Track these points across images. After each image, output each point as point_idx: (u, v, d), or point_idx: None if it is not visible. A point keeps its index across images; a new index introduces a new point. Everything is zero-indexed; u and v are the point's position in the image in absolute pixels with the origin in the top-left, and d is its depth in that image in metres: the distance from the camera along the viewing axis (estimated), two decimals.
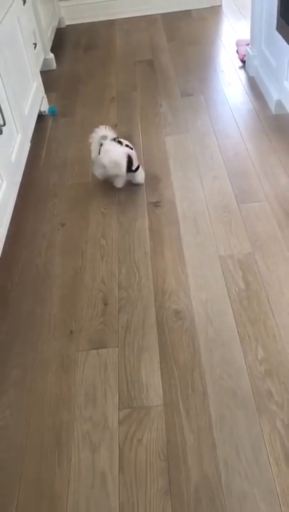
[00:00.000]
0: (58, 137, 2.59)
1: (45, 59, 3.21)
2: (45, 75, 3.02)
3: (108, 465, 1.23)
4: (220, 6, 4.03)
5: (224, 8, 3.99)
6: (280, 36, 2.34)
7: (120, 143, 2.09)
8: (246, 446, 1.23)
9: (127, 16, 4.03)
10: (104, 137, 2.08)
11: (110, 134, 2.10)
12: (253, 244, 1.78)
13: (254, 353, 1.42)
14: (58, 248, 1.89)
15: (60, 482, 1.20)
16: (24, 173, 2.11)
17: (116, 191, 2.14)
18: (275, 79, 2.51)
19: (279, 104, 2.47)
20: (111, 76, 3.15)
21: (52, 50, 3.34)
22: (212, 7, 4.02)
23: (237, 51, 3.19)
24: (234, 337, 1.47)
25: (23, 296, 1.71)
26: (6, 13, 2.10)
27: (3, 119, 1.80)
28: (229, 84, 2.88)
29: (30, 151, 2.26)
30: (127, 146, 2.10)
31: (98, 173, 2.14)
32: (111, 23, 4.00)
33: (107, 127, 2.11)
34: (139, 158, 2.23)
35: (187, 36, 3.57)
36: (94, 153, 2.11)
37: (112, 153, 2.03)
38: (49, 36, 3.30)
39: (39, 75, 2.69)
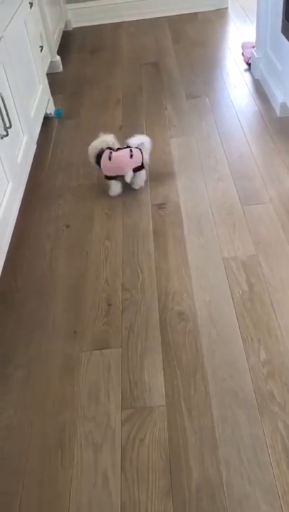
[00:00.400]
0: (63, 139, 2.61)
1: (51, 61, 3.23)
2: (52, 77, 3.04)
3: (110, 464, 1.23)
4: (226, 8, 4.04)
5: (230, 11, 4.00)
6: (285, 39, 2.35)
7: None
8: (248, 446, 1.23)
9: (133, 19, 4.05)
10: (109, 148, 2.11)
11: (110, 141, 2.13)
12: (256, 246, 1.79)
13: (257, 355, 1.43)
14: (63, 249, 1.90)
15: (63, 481, 1.22)
16: (30, 175, 2.12)
17: (121, 193, 2.15)
18: (280, 81, 2.52)
19: (284, 106, 2.47)
20: (117, 78, 3.16)
21: (58, 53, 3.37)
22: (218, 10, 4.03)
23: (242, 54, 3.20)
24: (237, 338, 1.48)
25: (27, 296, 1.72)
26: (13, 16, 2.12)
27: (9, 121, 1.82)
28: (234, 87, 2.89)
29: (35, 153, 2.28)
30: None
31: (115, 188, 2.14)
32: (117, 25, 4.02)
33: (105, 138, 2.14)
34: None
35: (193, 39, 3.59)
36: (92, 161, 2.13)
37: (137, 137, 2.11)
38: (56, 39, 3.32)
39: (45, 77, 2.71)
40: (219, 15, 3.96)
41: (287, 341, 1.45)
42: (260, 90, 2.80)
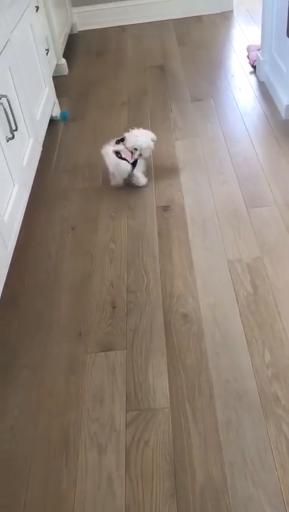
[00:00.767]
0: (69, 141, 2.62)
1: (57, 64, 3.24)
2: (57, 80, 3.05)
3: (115, 466, 1.24)
4: (231, 11, 4.04)
5: (235, 14, 4.00)
6: None
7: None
8: (252, 449, 1.23)
9: (139, 22, 4.07)
10: (118, 151, 2.13)
11: (122, 147, 2.16)
12: (261, 248, 1.79)
13: (261, 357, 1.43)
14: (68, 251, 1.91)
15: (67, 482, 1.22)
16: (35, 177, 2.13)
17: (125, 195, 2.16)
18: (285, 84, 2.52)
19: None
20: (122, 81, 3.17)
21: (64, 56, 3.38)
22: (223, 13, 4.04)
23: (248, 56, 3.20)
24: (241, 340, 1.48)
25: (32, 298, 1.73)
26: (19, 20, 2.13)
27: (16, 123, 1.83)
28: (239, 89, 2.89)
29: (41, 155, 2.29)
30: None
31: (118, 179, 2.18)
32: (123, 28, 4.03)
33: (119, 140, 2.19)
34: (148, 161, 2.27)
35: (198, 42, 3.59)
36: (112, 166, 2.15)
37: (142, 135, 2.15)
38: (61, 42, 3.34)
39: (51, 80, 2.72)
40: (224, 18, 3.96)
41: None
42: (265, 93, 2.80)
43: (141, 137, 2.17)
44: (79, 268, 1.83)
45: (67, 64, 3.39)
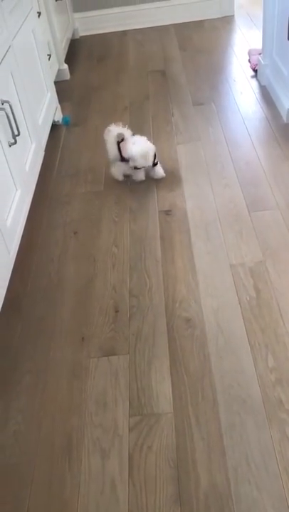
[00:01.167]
0: (71, 146, 2.63)
1: (59, 69, 3.26)
2: (59, 85, 3.06)
3: (118, 471, 1.23)
4: (232, 16, 4.06)
5: (236, 18, 4.01)
6: None
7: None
8: (256, 454, 1.22)
9: (140, 27, 4.08)
10: (121, 135, 2.15)
11: (126, 131, 2.18)
12: (264, 252, 1.78)
13: (264, 361, 1.42)
14: (70, 255, 1.91)
15: (71, 487, 1.22)
16: (38, 182, 2.14)
17: (128, 199, 2.16)
18: (286, 88, 2.52)
19: None
20: (124, 86, 3.18)
21: (66, 61, 3.39)
22: (224, 17, 4.05)
23: (249, 60, 3.20)
24: (244, 345, 1.48)
25: (35, 302, 1.73)
26: (21, 25, 2.14)
27: (18, 129, 1.83)
28: (241, 93, 2.89)
29: (43, 160, 2.29)
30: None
31: (118, 172, 2.22)
32: (124, 33, 4.05)
33: (120, 124, 2.20)
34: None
35: (199, 46, 3.60)
36: (112, 153, 2.16)
37: (141, 145, 2.15)
38: (63, 47, 3.35)
39: (53, 85, 2.73)
40: (225, 22, 3.97)
41: None
42: (266, 97, 2.80)
43: (137, 146, 2.14)
44: (81, 272, 1.83)
45: (69, 69, 3.41)
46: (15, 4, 2.06)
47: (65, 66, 3.36)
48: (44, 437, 1.32)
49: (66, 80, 3.36)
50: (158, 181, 2.23)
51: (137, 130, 2.36)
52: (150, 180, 2.25)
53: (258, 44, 3.24)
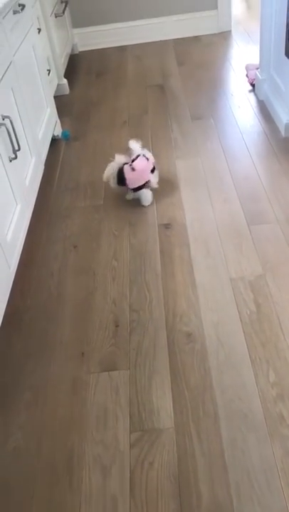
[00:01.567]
0: (70, 160, 2.64)
1: (58, 84, 3.28)
2: (59, 99, 3.09)
3: (119, 488, 1.22)
4: (229, 31, 4.11)
5: (233, 34, 4.06)
6: (288, 61, 2.38)
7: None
8: (258, 470, 1.22)
9: (138, 42, 4.13)
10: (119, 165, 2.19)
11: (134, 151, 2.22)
12: (263, 266, 1.79)
13: (265, 376, 1.42)
14: (70, 269, 1.91)
15: (72, 505, 1.20)
16: (37, 196, 2.15)
17: (127, 213, 2.17)
18: (284, 102, 2.55)
19: None
20: (123, 100, 3.21)
21: (65, 76, 3.42)
22: (222, 32, 4.10)
23: (246, 75, 3.24)
24: (245, 359, 1.47)
25: (35, 316, 1.73)
26: (22, 41, 2.16)
27: (18, 144, 1.84)
28: (239, 108, 2.92)
29: (43, 174, 2.31)
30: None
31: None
32: (123, 48, 4.09)
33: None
34: None
35: (197, 61, 3.64)
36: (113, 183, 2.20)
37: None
38: (63, 62, 3.38)
39: (53, 100, 2.75)
40: (223, 37, 4.02)
41: None
42: (264, 111, 2.83)
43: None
44: (81, 286, 1.83)
45: (69, 84, 3.44)
46: (16, 21, 2.08)
47: (65, 81, 3.39)
48: (44, 454, 1.31)
49: (65, 95, 3.38)
50: (157, 195, 2.24)
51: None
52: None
53: (255, 59, 3.27)
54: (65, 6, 3.59)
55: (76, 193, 2.36)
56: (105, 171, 2.21)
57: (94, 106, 3.20)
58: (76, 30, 4.07)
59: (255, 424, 1.31)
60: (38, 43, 2.51)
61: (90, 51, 4.13)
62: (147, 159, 2.20)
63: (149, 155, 2.22)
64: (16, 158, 1.82)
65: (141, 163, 2.17)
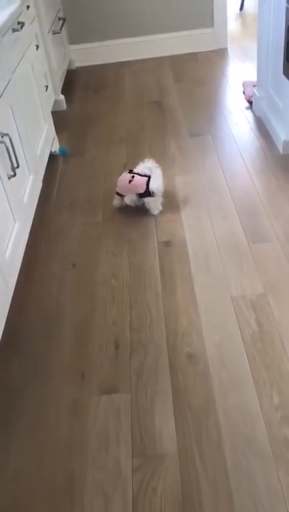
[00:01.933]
0: (68, 177, 2.63)
1: (55, 100, 3.29)
2: (56, 115, 3.09)
3: None
4: (226, 48, 4.14)
5: (230, 51, 4.10)
6: (286, 79, 2.40)
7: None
8: (263, 496, 1.19)
9: (135, 59, 4.15)
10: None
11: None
12: (264, 284, 1.77)
13: (269, 399, 1.40)
14: (69, 288, 1.89)
15: None
16: (35, 213, 2.13)
17: (126, 231, 2.16)
18: (282, 120, 2.56)
19: (287, 144, 2.50)
20: (120, 117, 3.21)
21: (62, 92, 3.43)
22: (218, 49, 4.14)
23: (244, 92, 3.26)
24: (248, 381, 1.45)
25: (33, 337, 1.70)
26: (21, 59, 2.16)
27: (17, 161, 1.83)
28: (236, 124, 2.93)
29: (41, 191, 2.29)
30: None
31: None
32: (119, 65, 4.11)
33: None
34: None
35: (194, 78, 3.66)
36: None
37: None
38: (60, 78, 3.39)
39: (50, 116, 2.75)
40: (219, 55, 4.06)
41: None
42: (262, 128, 2.84)
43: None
44: (81, 306, 1.80)
45: (66, 99, 3.44)
46: (15, 39, 2.08)
47: (62, 97, 3.39)
48: (44, 480, 1.28)
49: (63, 111, 3.39)
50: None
51: (134, 161, 2.37)
52: (148, 211, 2.24)
53: (251, 76, 3.30)
54: (63, 23, 3.62)
55: (74, 210, 2.34)
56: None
57: (91, 122, 3.20)
58: (73, 47, 4.10)
59: (260, 448, 1.29)
60: (36, 60, 2.51)
61: (86, 67, 4.16)
62: (130, 181, 2.20)
63: (139, 179, 2.20)
64: (14, 175, 1.80)
65: (123, 180, 2.23)
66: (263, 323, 1.63)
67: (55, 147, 2.80)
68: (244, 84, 3.29)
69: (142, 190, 2.18)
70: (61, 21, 3.62)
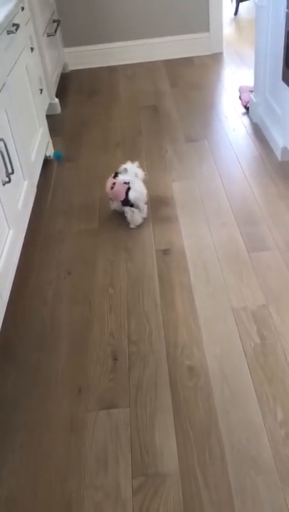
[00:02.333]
0: (63, 182, 2.58)
1: (50, 103, 3.23)
2: (50, 119, 3.04)
3: None
4: (221, 53, 4.12)
5: (225, 56, 4.07)
6: (285, 85, 2.36)
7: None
8: None
9: (130, 62, 4.11)
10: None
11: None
12: (266, 295, 1.73)
13: (273, 415, 1.35)
14: (65, 297, 1.84)
15: None
16: (30, 219, 2.07)
17: (123, 238, 2.11)
18: (280, 126, 2.52)
19: (285, 151, 2.47)
20: (115, 121, 3.17)
21: (56, 95, 3.38)
22: (213, 54, 4.11)
23: (240, 97, 3.23)
24: (251, 396, 1.40)
25: (28, 349, 1.64)
26: (16, 62, 2.11)
27: (12, 167, 1.78)
28: (233, 130, 2.90)
29: (35, 197, 2.24)
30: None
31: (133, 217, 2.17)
32: (114, 68, 4.07)
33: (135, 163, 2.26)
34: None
35: (190, 82, 3.63)
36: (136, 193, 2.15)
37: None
38: (54, 81, 3.34)
39: (45, 119, 2.70)
40: (214, 59, 4.03)
41: None
42: (259, 134, 2.81)
43: (138, 169, 2.22)
44: (77, 316, 1.75)
45: (60, 103, 3.39)
46: (10, 41, 2.03)
47: (56, 100, 3.34)
48: (40, 503, 1.22)
49: (57, 114, 3.33)
50: (154, 219, 2.19)
51: None
52: (146, 218, 2.20)
53: (247, 81, 3.28)
54: (57, 26, 3.57)
55: (69, 217, 2.29)
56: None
57: (86, 126, 3.15)
58: (67, 50, 4.05)
59: (265, 467, 1.24)
60: (31, 63, 2.46)
61: (80, 70, 4.11)
62: (112, 188, 2.17)
63: (120, 186, 2.14)
64: (9, 181, 1.75)
65: (108, 182, 2.19)
66: (265, 335, 1.58)
67: (50, 151, 2.74)
68: (240, 90, 3.26)
69: (122, 198, 2.12)
70: (55, 23, 3.57)
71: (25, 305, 1.82)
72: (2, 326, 1.59)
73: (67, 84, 3.83)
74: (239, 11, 5.26)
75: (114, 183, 2.16)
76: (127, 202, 2.11)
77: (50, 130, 2.76)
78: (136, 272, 1.92)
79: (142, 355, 1.56)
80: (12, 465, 1.30)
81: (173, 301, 1.75)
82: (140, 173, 2.22)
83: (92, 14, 3.91)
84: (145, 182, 2.23)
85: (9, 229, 1.78)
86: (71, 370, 1.54)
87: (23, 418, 1.42)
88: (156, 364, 1.53)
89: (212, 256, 1.95)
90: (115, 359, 1.56)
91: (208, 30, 4.03)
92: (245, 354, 1.53)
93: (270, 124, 2.68)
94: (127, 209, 2.13)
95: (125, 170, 2.20)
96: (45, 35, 3.15)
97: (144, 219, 2.18)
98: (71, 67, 4.12)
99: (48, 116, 2.97)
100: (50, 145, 2.76)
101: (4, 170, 1.73)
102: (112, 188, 2.17)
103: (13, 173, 1.79)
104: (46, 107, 3.08)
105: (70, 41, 4.01)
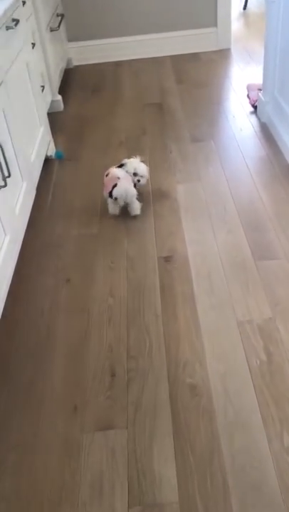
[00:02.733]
0: (64, 183, 2.50)
1: (52, 101, 3.15)
2: (52, 116, 2.96)
3: None
4: (229, 49, 4.01)
5: (233, 52, 3.97)
6: None
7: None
8: None
9: (135, 58, 4.01)
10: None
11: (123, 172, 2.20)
12: (273, 308, 1.65)
13: (279, 439, 1.27)
14: (62, 307, 1.76)
15: None
16: (28, 222, 2.00)
17: (124, 243, 2.03)
18: None
19: None
20: (119, 119, 3.08)
21: (60, 91, 3.29)
22: (221, 50, 4.00)
23: (248, 96, 3.12)
24: (256, 419, 1.33)
25: (23, 362, 1.57)
26: (15, 59, 2.03)
27: (8, 170, 1.70)
28: (241, 130, 2.80)
29: (34, 198, 2.16)
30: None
31: (115, 208, 2.19)
32: (119, 64, 3.97)
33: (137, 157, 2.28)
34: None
35: (196, 79, 3.53)
36: (121, 190, 2.14)
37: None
38: (57, 78, 3.25)
39: (46, 118, 2.61)
40: (222, 55, 3.92)
41: None
42: (267, 134, 2.71)
43: (140, 164, 2.24)
44: (74, 327, 1.67)
45: (63, 100, 3.30)
46: (9, 38, 1.94)
47: (59, 97, 3.25)
48: None
49: (60, 112, 3.25)
50: (157, 223, 2.11)
51: None
52: (148, 222, 2.12)
53: (256, 78, 3.17)
54: (61, 20, 3.48)
55: (69, 220, 2.21)
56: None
57: (89, 124, 3.06)
58: (71, 44, 3.95)
59: (270, 498, 1.16)
60: (32, 60, 2.37)
61: (85, 65, 4.01)
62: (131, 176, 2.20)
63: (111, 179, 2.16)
64: (5, 185, 1.67)
65: (118, 172, 2.18)
66: (272, 352, 1.50)
67: (51, 151, 2.66)
68: (248, 88, 3.15)
69: (108, 190, 2.14)
70: (59, 18, 3.48)
71: (20, 314, 1.75)
72: None
73: (70, 80, 3.74)
74: (248, 5, 5.14)
75: (108, 174, 2.19)
76: (110, 195, 2.14)
77: (52, 128, 2.68)
78: (137, 281, 1.84)
79: (141, 371, 1.49)
80: (2, 489, 1.23)
81: (175, 313, 1.67)
82: (142, 168, 2.21)
83: (97, 8, 3.81)
84: (148, 179, 2.25)
85: (6, 234, 1.70)
86: (67, 386, 1.47)
87: (14, 438, 1.34)
88: (156, 381, 1.45)
89: (217, 264, 1.87)
90: (113, 375, 1.48)
91: (215, 25, 3.92)
92: (250, 372, 1.45)
93: (279, 124, 2.58)
94: (109, 200, 2.17)
95: (125, 164, 2.21)
96: (48, 29, 3.06)
97: (136, 216, 2.17)
98: (75, 63, 4.03)
99: (50, 114, 2.89)
100: (52, 144, 2.67)
101: (0, 174, 1.65)
102: (106, 175, 2.21)
103: (9, 176, 1.71)
104: (48, 105, 2.99)
105: (74, 36, 3.92)
